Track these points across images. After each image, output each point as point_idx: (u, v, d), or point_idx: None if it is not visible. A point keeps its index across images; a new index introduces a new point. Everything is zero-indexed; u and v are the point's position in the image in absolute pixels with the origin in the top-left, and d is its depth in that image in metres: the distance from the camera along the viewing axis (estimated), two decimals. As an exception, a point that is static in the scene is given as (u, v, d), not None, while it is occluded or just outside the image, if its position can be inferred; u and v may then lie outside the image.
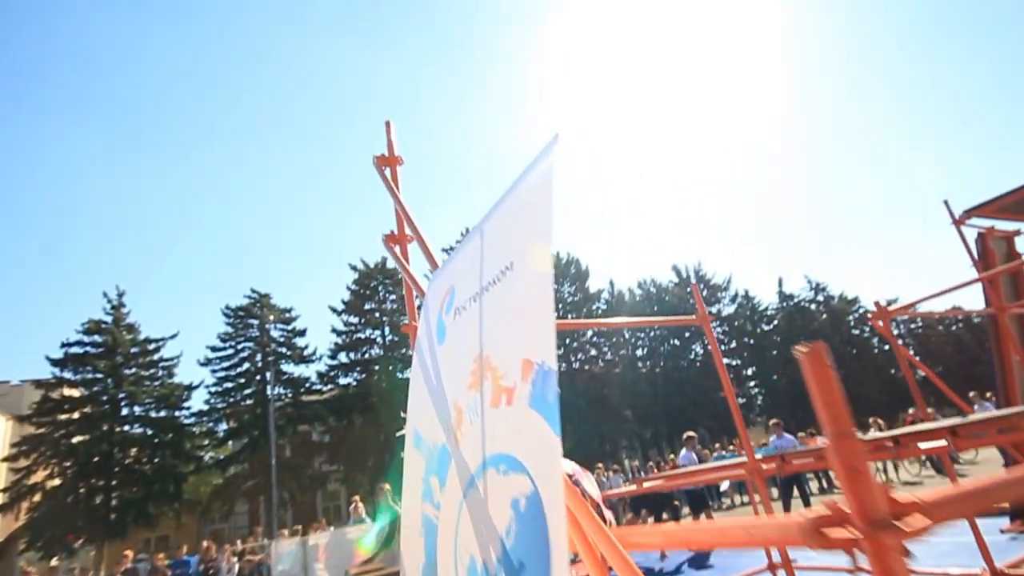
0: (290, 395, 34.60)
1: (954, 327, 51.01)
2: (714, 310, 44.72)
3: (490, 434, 1.36)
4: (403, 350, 36.15)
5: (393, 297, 37.84)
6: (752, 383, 44.96)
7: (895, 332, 49.05)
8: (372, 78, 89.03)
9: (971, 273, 6.33)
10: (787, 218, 75.32)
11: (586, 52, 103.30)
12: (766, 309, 48.28)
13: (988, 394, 14.53)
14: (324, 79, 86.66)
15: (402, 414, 1.93)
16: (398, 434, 3.38)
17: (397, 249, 3.06)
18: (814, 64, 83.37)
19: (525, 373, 1.25)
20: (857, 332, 48.51)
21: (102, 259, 60.71)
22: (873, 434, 13.65)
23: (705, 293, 45.91)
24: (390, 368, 35.51)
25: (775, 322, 47.74)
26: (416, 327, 3.06)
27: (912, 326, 48.30)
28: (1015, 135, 66.41)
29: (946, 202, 6.35)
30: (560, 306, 40.21)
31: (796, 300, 48.52)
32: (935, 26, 78.67)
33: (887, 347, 48.79)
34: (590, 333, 41.58)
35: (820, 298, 49.20)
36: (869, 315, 5.99)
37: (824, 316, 48.09)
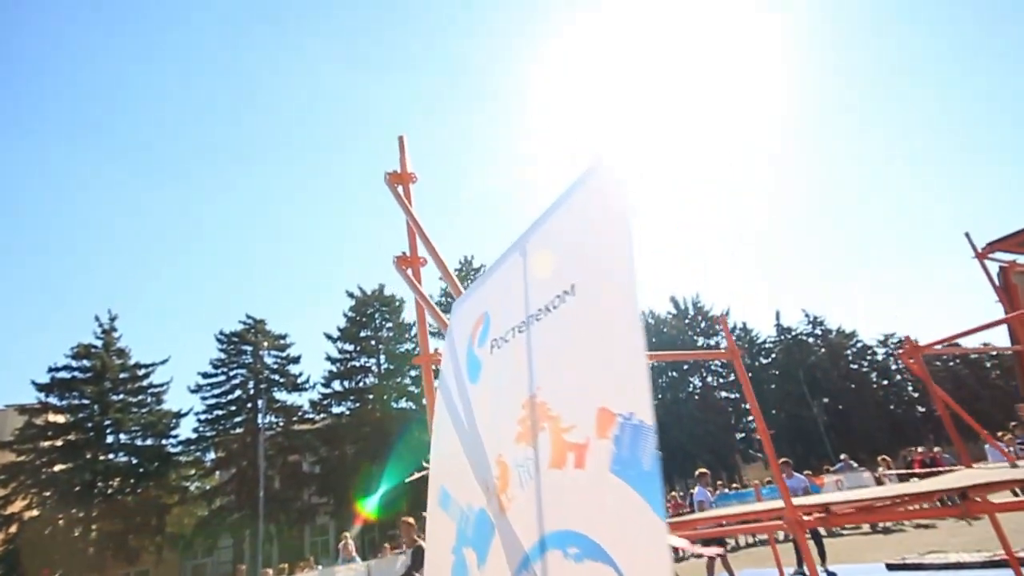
0: (281, 424, 33.83)
1: (951, 363, 50.76)
2: (712, 342, 44.40)
3: (550, 503, 1.07)
4: (398, 379, 35.59)
5: (389, 325, 37.44)
6: (750, 417, 44.38)
7: (893, 368, 48.75)
8: (369, 105, 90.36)
9: (987, 306, 6.11)
10: (784, 250, 75.82)
11: (578, 80, 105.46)
12: (764, 342, 48.01)
13: (1001, 433, 14.19)
14: (321, 106, 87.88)
15: (424, 464, 1.63)
16: (408, 478, 3.05)
17: (409, 272, 2.79)
18: (813, 99, 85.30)
19: (603, 427, 0.97)
20: (855, 367, 48.17)
21: (95, 282, 60.18)
22: (880, 471, 13.11)
23: (703, 325, 45.66)
24: (384, 397, 34.88)
25: (773, 355, 47.41)
26: (432, 359, 2.77)
27: (910, 361, 47.95)
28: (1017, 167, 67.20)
29: (967, 234, 6.18)
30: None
31: (794, 333, 48.30)
32: (940, 53, 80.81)
33: (886, 382, 48.45)
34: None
35: (818, 331, 49.01)
36: (898, 351, 5.72)
37: (822, 350, 47.79)
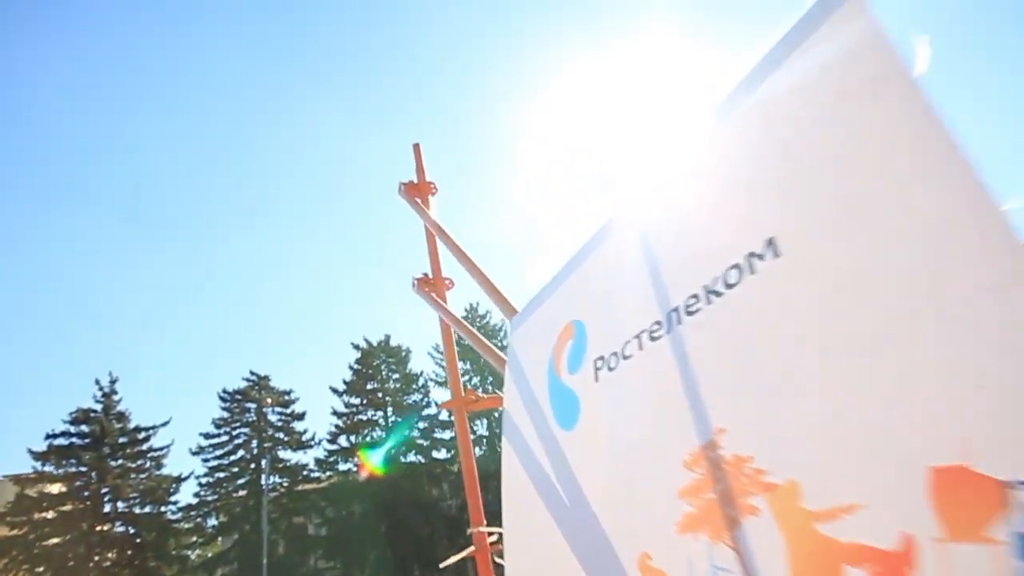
0: (285, 484, 32.62)
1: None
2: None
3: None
4: (407, 432, 34.59)
5: (396, 376, 36.64)
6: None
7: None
8: (366, 150, 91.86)
9: None
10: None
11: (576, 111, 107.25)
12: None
13: None
14: (320, 157, 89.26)
15: (499, 543, 1.08)
16: (442, 564, 2.47)
17: (434, 295, 2.30)
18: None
19: (973, 513, 0.44)
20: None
21: (96, 344, 59.65)
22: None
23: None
24: (393, 452, 33.75)
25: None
26: (466, 402, 2.23)
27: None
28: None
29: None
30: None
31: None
32: (946, 53, 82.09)
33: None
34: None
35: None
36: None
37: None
